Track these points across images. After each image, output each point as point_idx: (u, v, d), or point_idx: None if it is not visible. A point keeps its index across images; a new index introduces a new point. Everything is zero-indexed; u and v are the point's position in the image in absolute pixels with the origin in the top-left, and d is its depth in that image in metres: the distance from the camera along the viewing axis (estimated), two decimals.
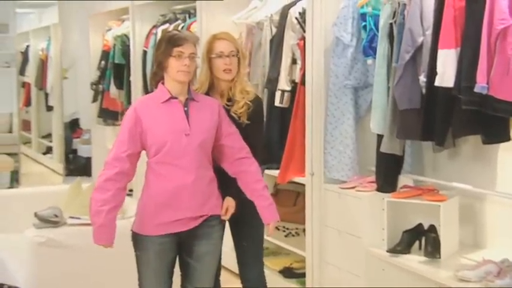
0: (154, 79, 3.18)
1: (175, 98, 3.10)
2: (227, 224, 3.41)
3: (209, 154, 3.15)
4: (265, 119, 4.14)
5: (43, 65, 9.05)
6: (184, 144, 3.05)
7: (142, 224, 3.12)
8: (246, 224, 3.39)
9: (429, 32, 3.32)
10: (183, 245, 3.15)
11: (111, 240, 3.05)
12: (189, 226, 3.10)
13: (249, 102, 3.35)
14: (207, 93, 3.36)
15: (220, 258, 3.39)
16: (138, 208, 3.16)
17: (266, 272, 3.62)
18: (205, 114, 3.13)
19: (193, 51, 3.07)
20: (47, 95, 9.05)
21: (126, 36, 6.90)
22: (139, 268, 3.15)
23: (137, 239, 3.13)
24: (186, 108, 3.10)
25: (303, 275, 4.39)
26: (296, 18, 4.38)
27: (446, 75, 3.19)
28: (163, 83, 3.13)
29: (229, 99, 3.36)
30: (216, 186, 3.19)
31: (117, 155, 3.04)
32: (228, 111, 3.31)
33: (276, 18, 4.67)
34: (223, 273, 3.66)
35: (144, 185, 3.15)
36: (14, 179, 7.88)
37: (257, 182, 3.21)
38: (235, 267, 3.64)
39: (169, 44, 3.06)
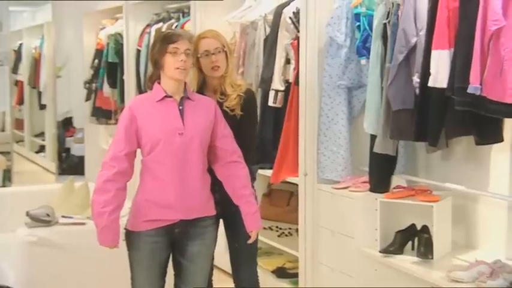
0: (150, 81, 3.17)
1: (170, 96, 3.09)
2: (221, 225, 3.41)
3: (204, 154, 3.13)
4: (258, 119, 4.13)
5: (36, 63, 9.03)
6: (178, 143, 3.04)
7: (135, 222, 3.10)
8: (240, 225, 3.37)
9: (423, 33, 3.31)
10: (176, 245, 3.14)
11: (117, 241, 3.04)
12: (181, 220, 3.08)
13: (241, 94, 3.37)
14: (201, 92, 3.36)
15: (212, 258, 3.38)
16: (132, 206, 3.15)
17: (259, 272, 3.60)
18: (200, 114, 3.12)
19: (188, 47, 3.06)
20: (40, 93, 9.03)
21: (120, 35, 6.88)
22: (132, 267, 3.14)
23: (130, 237, 3.12)
24: (181, 107, 3.09)
25: (296, 275, 4.38)
26: (290, 18, 4.37)
27: (439, 76, 3.19)
28: (159, 83, 3.12)
29: (222, 93, 3.38)
30: (209, 187, 3.17)
31: (114, 155, 3.03)
32: (221, 105, 3.31)
33: (270, 17, 4.66)
34: (216, 273, 3.65)
35: (139, 183, 3.13)
36: (7, 177, 7.85)
37: (245, 188, 3.20)
38: (228, 267, 3.63)
39: (164, 41, 3.05)
